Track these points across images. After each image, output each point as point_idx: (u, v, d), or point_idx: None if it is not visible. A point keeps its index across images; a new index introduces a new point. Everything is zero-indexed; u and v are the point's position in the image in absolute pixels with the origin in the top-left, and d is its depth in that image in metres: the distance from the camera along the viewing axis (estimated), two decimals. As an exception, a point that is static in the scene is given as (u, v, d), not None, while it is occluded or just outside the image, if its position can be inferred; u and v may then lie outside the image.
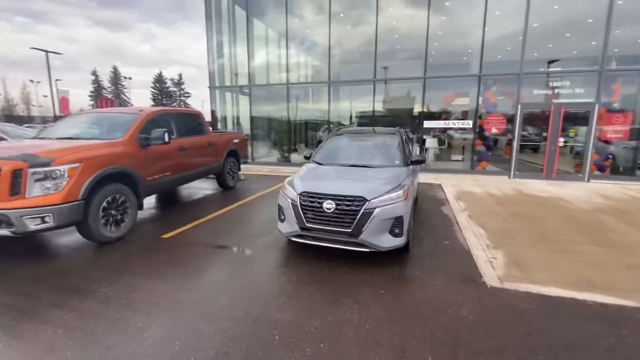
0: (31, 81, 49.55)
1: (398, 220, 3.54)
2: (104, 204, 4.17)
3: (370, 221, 3.41)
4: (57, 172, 3.67)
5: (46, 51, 22.10)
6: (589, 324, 2.60)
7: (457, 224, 5.19)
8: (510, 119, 9.38)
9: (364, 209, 3.44)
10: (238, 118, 14.00)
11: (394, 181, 3.83)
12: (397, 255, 3.87)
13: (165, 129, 5.03)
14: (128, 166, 4.56)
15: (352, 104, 12.88)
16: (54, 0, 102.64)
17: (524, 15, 9.04)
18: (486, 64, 9.59)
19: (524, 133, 9.66)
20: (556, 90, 9.19)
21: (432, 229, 4.96)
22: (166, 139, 5.02)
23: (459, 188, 7.99)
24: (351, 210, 3.47)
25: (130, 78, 51.95)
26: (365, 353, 2.27)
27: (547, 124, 9.05)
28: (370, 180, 3.84)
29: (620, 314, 2.74)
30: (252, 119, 13.05)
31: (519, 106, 9.06)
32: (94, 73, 65.12)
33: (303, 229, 3.70)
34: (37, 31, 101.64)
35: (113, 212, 4.35)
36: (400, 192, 3.64)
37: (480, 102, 9.76)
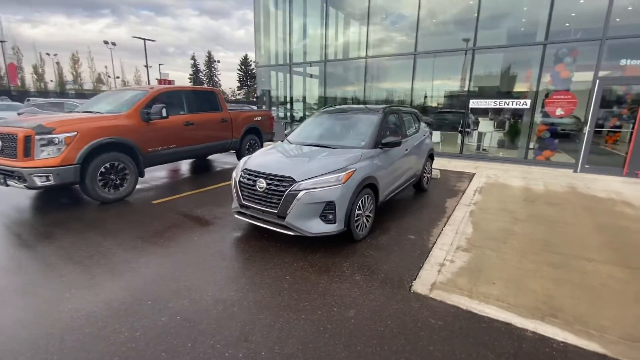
0: (145, 66, 58.57)
1: (330, 205, 3.23)
2: (102, 169, 4.82)
3: (295, 203, 3.19)
4: (56, 139, 4.36)
5: (144, 39, 25.92)
6: None
7: (448, 218, 4.48)
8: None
9: (289, 191, 3.23)
10: (304, 99, 13.70)
11: (340, 164, 3.47)
12: (342, 243, 3.57)
13: (163, 105, 5.46)
14: (127, 137, 5.13)
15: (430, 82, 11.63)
16: None
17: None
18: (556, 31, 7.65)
19: (609, 116, 7.57)
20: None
21: (412, 220, 4.39)
22: (164, 114, 5.46)
23: (494, 180, 6.81)
24: (278, 191, 3.30)
25: (219, 61, 57.63)
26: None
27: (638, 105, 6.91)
28: (314, 161, 3.56)
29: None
30: (325, 99, 12.65)
31: (597, 82, 7.07)
32: (193, 57, 73.68)
33: (242, 206, 3.68)
34: (157, 23, 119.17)
35: (112, 176, 4.99)
36: (335, 176, 3.29)
37: (544, 76, 7.93)
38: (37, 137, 4.29)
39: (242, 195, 3.63)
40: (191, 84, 72.37)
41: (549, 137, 8.29)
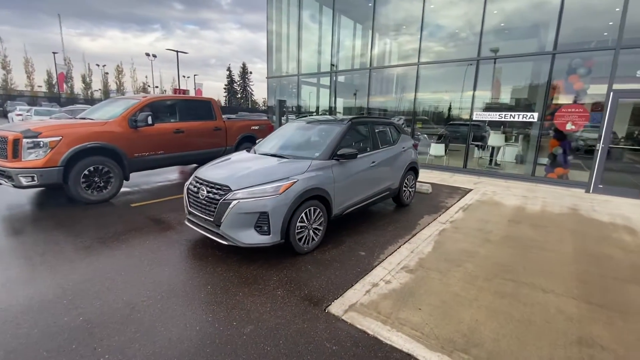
0: (182, 77, 62.29)
1: (263, 216, 3.18)
2: (86, 172, 5.13)
3: (228, 212, 3.18)
4: (42, 142, 4.72)
5: (177, 51, 27.68)
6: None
7: (413, 236, 4.23)
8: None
9: (224, 199, 3.22)
10: (332, 109, 13.39)
11: (282, 174, 3.42)
12: (284, 256, 3.49)
13: (149, 113, 5.74)
14: (113, 143, 5.43)
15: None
16: (213, 8, 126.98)
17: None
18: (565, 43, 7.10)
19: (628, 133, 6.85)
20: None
21: (372, 236, 4.19)
22: (149, 122, 5.73)
23: (488, 197, 6.37)
24: (215, 199, 3.31)
25: (251, 72, 59.76)
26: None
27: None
28: (256, 171, 3.54)
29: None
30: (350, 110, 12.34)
31: (611, 94, 6.44)
32: (228, 69, 77.35)
33: (189, 213, 3.73)
34: (201, 36, 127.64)
35: (96, 179, 5.30)
36: (273, 186, 3.25)
37: (555, 87, 7.36)
38: (25, 140, 4.67)
39: (189, 202, 3.69)
40: (226, 94, 75.89)
41: (561, 153, 7.64)
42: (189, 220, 3.76)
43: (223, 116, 7.88)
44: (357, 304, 2.68)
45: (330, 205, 3.82)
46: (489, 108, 8.67)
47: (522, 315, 2.59)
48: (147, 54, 39.06)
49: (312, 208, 3.56)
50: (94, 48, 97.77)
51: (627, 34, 6.42)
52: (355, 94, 12.49)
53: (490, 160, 9.85)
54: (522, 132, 9.07)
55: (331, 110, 13.45)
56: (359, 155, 4.28)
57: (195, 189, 3.58)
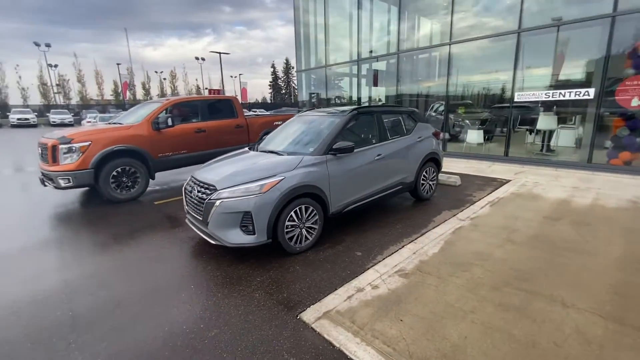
0: (231, 77, 65.35)
1: (247, 216, 3.11)
2: (114, 172, 5.56)
3: (213, 212, 3.16)
4: (73, 147, 5.20)
5: (220, 53, 28.97)
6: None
7: (421, 235, 3.85)
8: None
9: (209, 199, 3.21)
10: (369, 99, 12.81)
11: (267, 172, 3.31)
12: (275, 256, 3.40)
13: (168, 115, 6.03)
14: (138, 145, 5.81)
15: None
16: (259, 7, 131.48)
17: None
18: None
19: None
20: None
21: (376, 235, 3.90)
22: (169, 123, 6.02)
23: (527, 189, 5.59)
24: (202, 199, 3.32)
25: (293, 67, 60.26)
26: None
27: None
28: (244, 169, 3.47)
29: None
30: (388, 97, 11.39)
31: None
32: (272, 66, 79.23)
33: (187, 212, 3.81)
34: (249, 36, 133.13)
35: (124, 179, 5.73)
36: (257, 184, 3.15)
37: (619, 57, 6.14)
38: (60, 146, 5.19)
39: (186, 201, 3.77)
40: (270, 90, 78.11)
41: (627, 135, 6.41)
42: (188, 219, 3.86)
43: (255, 112, 8.00)
44: (332, 311, 2.49)
45: (326, 203, 3.62)
46: (550, 86, 7.47)
47: (525, 334, 2.17)
48: (197, 58, 41.60)
49: (303, 206, 3.41)
50: (156, 56, 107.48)
51: None
52: (399, 81, 11.78)
53: (542, 146, 8.68)
54: (579, 111, 7.79)
55: (370, 100, 12.99)
56: (360, 149, 4.01)
57: (190, 188, 3.64)
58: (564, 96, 6.80)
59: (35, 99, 44.08)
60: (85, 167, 5.28)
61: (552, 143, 8.44)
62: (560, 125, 8.28)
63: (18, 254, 3.73)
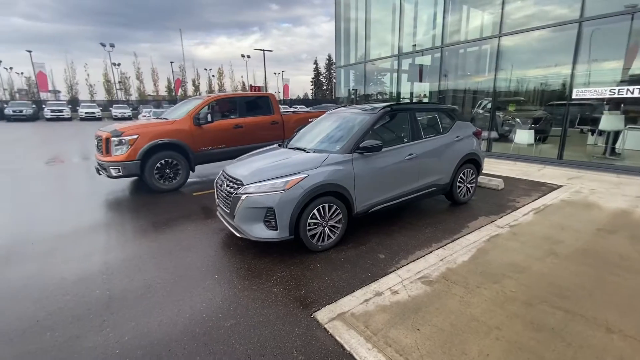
0: (275, 74, 66.95)
1: (270, 211, 3.16)
2: (158, 164, 5.98)
3: (239, 206, 3.26)
4: (123, 140, 5.67)
5: (263, 50, 29.79)
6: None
7: (452, 241, 3.64)
8: None
9: (236, 193, 3.32)
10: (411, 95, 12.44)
11: (293, 169, 3.33)
12: (298, 253, 3.43)
13: (208, 111, 6.34)
14: (180, 139, 6.18)
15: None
16: (305, 4, 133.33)
17: None
18: None
19: None
20: None
21: (403, 237, 3.76)
22: (209, 119, 6.32)
23: (580, 197, 5.02)
24: (230, 192, 3.43)
25: (335, 63, 60.13)
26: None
27: None
28: (271, 165, 3.52)
29: None
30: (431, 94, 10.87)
31: None
32: (315, 62, 79.84)
33: (218, 205, 3.97)
34: (294, 33, 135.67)
35: (167, 171, 6.13)
36: (282, 181, 3.19)
37: None
38: (112, 138, 5.70)
39: (217, 194, 3.93)
40: (312, 86, 78.77)
41: None
42: (218, 212, 4.02)
43: (294, 109, 8.12)
44: (347, 313, 2.45)
45: (350, 203, 3.56)
46: (618, 82, 6.62)
47: (557, 359, 1.96)
48: (243, 55, 43.18)
49: (326, 205, 3.39)
50: (207, 54, 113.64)
51: None
52: (446, 76, 11.23)
53: (606, 149, 7.75)
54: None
55: (412, 96, 12.57)
56: (390, 147, 3.89)
57: (220, 182, 3.79)
58: (632, 93, 5.98)
59: (101, 95, 48.98)
60: (133, 159, 5.74)
61: (617, 146, 7.49)
62: (628, 126, 7.31)
63: (71, 234, 4.16)
